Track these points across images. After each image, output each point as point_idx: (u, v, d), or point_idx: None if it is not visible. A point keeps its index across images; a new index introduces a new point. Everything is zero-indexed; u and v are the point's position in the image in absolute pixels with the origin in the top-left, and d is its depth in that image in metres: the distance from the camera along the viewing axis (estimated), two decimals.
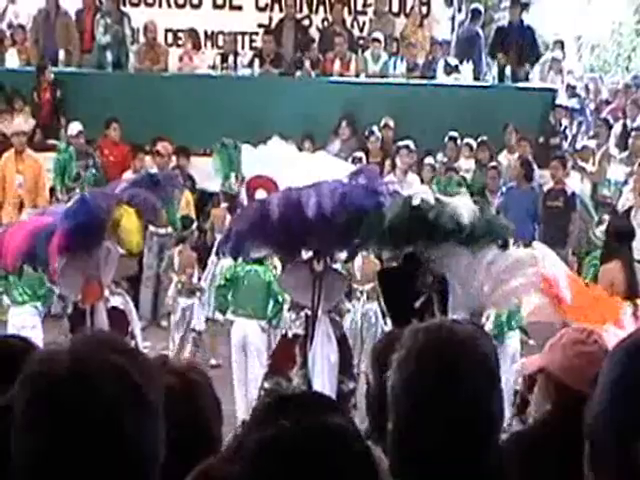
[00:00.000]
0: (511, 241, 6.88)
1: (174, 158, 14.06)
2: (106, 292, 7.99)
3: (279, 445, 1.69)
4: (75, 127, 14.00)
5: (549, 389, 3.82)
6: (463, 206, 6.75)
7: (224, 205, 12.72)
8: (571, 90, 17.27)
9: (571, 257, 12.47)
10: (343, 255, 9.87)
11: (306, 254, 7.74)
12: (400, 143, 14.43)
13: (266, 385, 7.81)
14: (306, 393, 1.98)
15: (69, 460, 1.56)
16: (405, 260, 6.78)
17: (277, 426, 1.72)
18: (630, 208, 12.46)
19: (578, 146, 15.45)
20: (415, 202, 6.65)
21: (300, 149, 12.89)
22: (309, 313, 7.79)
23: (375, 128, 14.81)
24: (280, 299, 9.76)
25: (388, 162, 14.37)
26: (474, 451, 2.30)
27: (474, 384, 2.31)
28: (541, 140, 15.02)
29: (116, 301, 8.19)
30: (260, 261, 9.64)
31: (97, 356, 1.61)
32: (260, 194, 10.16)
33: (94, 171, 13.67)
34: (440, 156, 14.68)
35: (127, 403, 1.59)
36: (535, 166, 14.10)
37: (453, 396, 2.28)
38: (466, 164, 14.49)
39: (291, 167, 8.57)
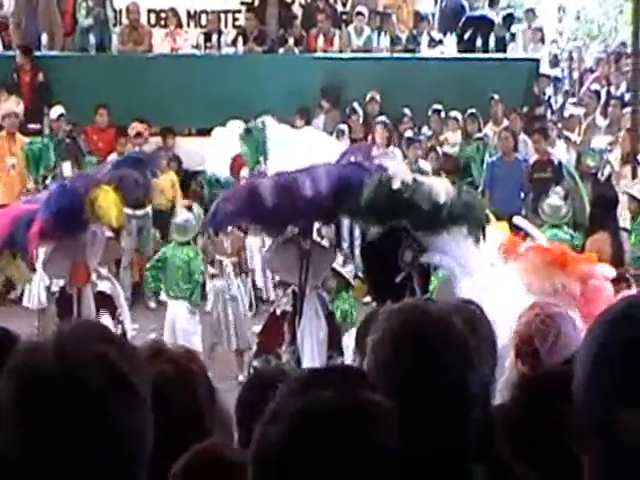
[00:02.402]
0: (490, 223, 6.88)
1: (160, 139, 14.04)
2: (93, 276, 8.01)
3: (319, 412, 1.72)
4: (56, 111, 13.96)
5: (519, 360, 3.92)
6: (440, 186, 6.79)
7: None
8: (555, 59, 17.28)
9: None
10: (331, 230, 9.92)
11: (292, 231, 7.78)
12: (378, 118, 14.43)
13: (255, 363, 7.83)
14: (346, 368, 2.02)
15: (57, 451, 1.57)
16: (386, 235, 6.80)
17: (318, 395, 1.75)
18: (610, 175, 12.47)
19: (566, 114, 15.44)
20: (395, 185, 6.69)
21: (292, 125, 12.92)
22: (296, 290, 7.82)
23: (356, 105, 14.78)
24: (197, 277, 9.83)
25: (370, 137, 14.39)
26: (453, 431, 2.30)
27: (449, 364, 2.30)
28: (525, 110, 15.01)
29: (104, 286, 8.20)
30: (187, 242, 9.64)
31: (82, 346, 1.62)
32: (244, 172, 10.24)
33: (86, 156, 13.64)
34: (425, 129, 14.69)
35: (114, 393, 1.59)
36: (526, 137, 14.12)
37: (428, 378, 2.28)
38: (453, 137, 14.47)
39: (280, 145, 8.61)
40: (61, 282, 8.16)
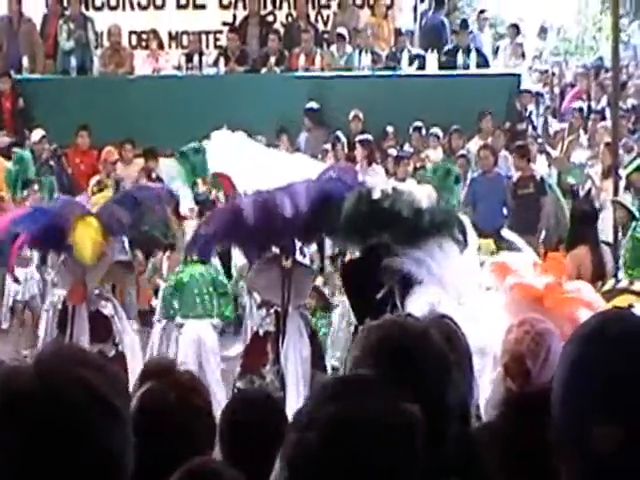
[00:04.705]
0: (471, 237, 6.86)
1: (142, 160, 14.05)
2: (95, 293, 8.11)
3: (351, 418, 1.73)
4: (38, 133, 14.00)
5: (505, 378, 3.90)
6: (420, 193, 6.81)
7: (195, 209, 12.69)
8: (537, 75, 17.36)
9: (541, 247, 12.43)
10: (313, 247, 9.93)
11: (273, 251, 7.81)
12: (358, 137, 14.46)
13: (239, 384, 7.82)
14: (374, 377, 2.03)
15: (38, 470, 1.57)
16: (367, 252, 6.81)
17: (350, 402, 1.76)
18: (590, 190, 12.52)
19: (551, 131, 15.50)
20: (376, 195, 6.70)
21: (275, 145, 12.95)
22: (279, 309, 7.83)
23: (340, 133, 14.77)
24: (227, 290, 9.82)
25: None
26: (432, 446, 2.31)
27: (428, 379, 2.31)
28: (507, 126, 15.07)
29: (104, 306, 8.24)
30: (202, 261, 9.67)
31: (62, 370, 1.62)
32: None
33: (54, 178, 13.63)
34: (407, 146, 14.73)
35: (94, 414, 1.60)
36: (507, 153, 14.17)
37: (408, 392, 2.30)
38: (434, 154, 14.48)
39: (250, 160, 8.62)
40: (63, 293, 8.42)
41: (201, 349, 9.53)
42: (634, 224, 10.24)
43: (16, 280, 9.63)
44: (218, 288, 9.76)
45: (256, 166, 8.15)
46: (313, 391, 1.88)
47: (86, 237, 7.58)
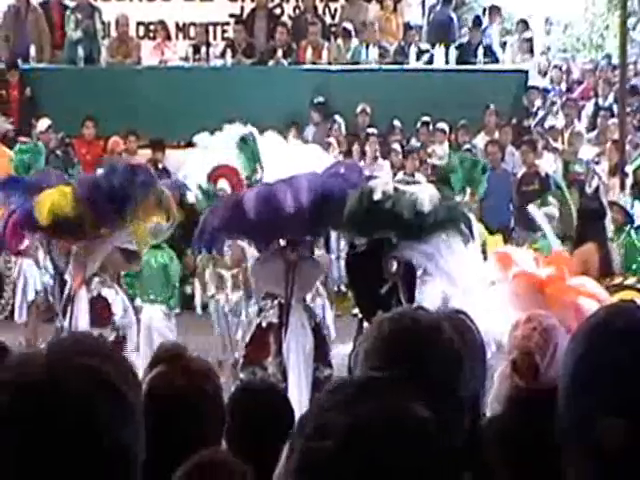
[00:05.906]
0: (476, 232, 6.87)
1: (146, 151, 14.05)
2: (97, 280, 8.12)
3: (368, 426, 1.69)
4: (44, 123, 14.00)
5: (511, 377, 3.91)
6: (423, 194, 6.80)
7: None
8: (556, 71, 17.39)
9: None
10: (320, 242, 9.93)
11: (280, 243, 7.83)
12: (369, 130, 14.48)
13: (241, 375, 7.83)
14: (390, 378, 2.01)
15: (49, 466, 1.56)
16: (371, 246, 6.81)
17: (364, 408, 1.72)
18: (598, 187, 12.51)
19: (546, 125, 15.52)
20: (377, 196, 6.70)
21: (285, 138, 12.94)
22: (282, 301, 7.83)
23: (337, 117, 14.81)
24: (174, 283, 9.84)
25: (356, 147, 14.42)
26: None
27: (439, 371, 2.31)
28: (514, 121, 15.06)
29: (106, 293, 8.27)
30: (158, 245, 9.66)
31: (73, 360, 1.62)
32: (222, 183, 10.26)
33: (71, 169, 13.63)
34: (414, 141, 14.73)
35: (104, 405, 1.59)
36: (513, 149, 14.16)
37: (420, 385, 2.30)
38: (440, 149, 14.48)
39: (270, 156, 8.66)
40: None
41: (152, 335, 9.60)
42: (628, 228, 10.21)
43: (19, 253, 9.76)
44: (168, 277, 9.82)
45: (276, 160, 8.21)
46: (319, 396, 1.84)
47: (48, 199, 7.73)
